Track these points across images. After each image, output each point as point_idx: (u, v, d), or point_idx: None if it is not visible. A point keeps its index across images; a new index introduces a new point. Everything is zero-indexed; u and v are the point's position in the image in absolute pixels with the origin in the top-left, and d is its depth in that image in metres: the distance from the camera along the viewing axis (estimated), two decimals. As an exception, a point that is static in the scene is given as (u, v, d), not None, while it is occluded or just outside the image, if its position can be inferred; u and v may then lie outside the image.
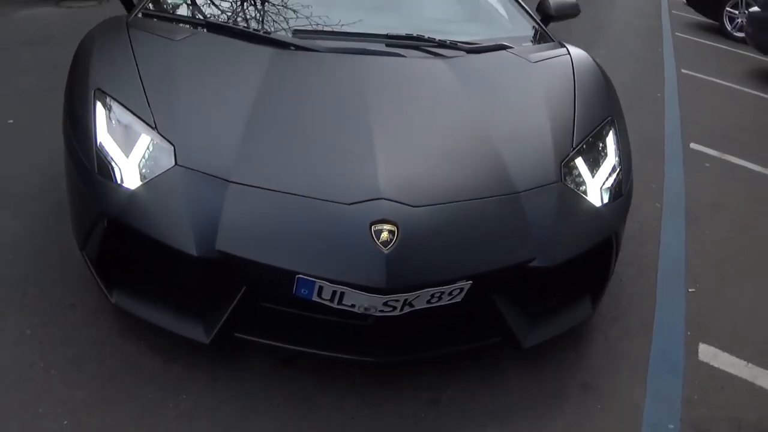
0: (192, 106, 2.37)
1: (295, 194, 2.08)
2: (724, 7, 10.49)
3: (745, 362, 2.66)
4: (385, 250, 1.96)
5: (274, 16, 3.04)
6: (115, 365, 2.23)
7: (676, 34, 10.09)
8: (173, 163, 2.15)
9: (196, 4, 3.16)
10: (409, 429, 2.13)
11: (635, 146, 3.21)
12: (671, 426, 2.30)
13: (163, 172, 2.14)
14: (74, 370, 2.20)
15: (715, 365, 2.63)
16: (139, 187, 2.13)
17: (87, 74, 2.50)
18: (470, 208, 2.16)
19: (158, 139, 2.22)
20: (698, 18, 11.25)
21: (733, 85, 7.26)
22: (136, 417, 2.04)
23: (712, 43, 9.73)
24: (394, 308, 2.02)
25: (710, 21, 10.85)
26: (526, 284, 2.20)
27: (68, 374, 2.17)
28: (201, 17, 3.00)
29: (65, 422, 2.00)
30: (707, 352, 2.69)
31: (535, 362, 2.46)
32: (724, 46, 9.60)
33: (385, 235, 1.99)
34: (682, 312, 2.93)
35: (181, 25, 2.95)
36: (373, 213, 2.02)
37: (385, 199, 2.06)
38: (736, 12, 10.25)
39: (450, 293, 2.05)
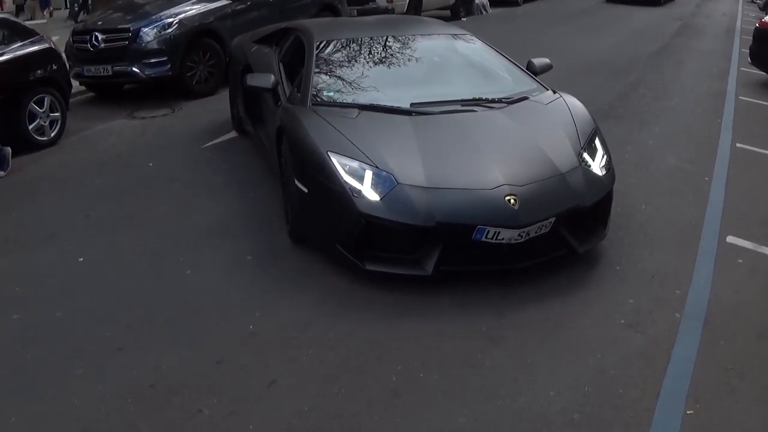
0: (386, 149, 4.40)
1: (465, 188, 4.22)
2: (789, 64, 10.41)
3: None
4: (515, 208, 4.11)
5: (396, 95, 5.10)
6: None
7: (740, 97, 10.04)
8: (396, 183, 4.19)
9: (346, 93, 5.20)
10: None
11: (669, 241, 5.11)
12: None
13: (393, 190, 4.17)
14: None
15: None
16: (379, 200, 4.14)
17: (315, 144, 4.46)
18: (545, 182, 4.35)
19: (378, 171, 4.23)
20: (765, 75, 11.12)
21: (787, 156, 7.25)
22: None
23: (776, 105, 9.66)
24: (521, 237, 4.13)
25: (776, 79, 10.75)
26: (575, 218, 4.39)
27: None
28: (353, 101, 5.03)
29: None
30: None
31: None
32: (789, 107, 9.52)
33: (512, 201, 4.14)
34: (676, 434, 3.15)
35: (346, 109, 4.91)
36: (504, 192, 4.17)
37: (507, 184, 4.21)
38: (801, 69, 10.12)
39: (545, 226, 4.21)
